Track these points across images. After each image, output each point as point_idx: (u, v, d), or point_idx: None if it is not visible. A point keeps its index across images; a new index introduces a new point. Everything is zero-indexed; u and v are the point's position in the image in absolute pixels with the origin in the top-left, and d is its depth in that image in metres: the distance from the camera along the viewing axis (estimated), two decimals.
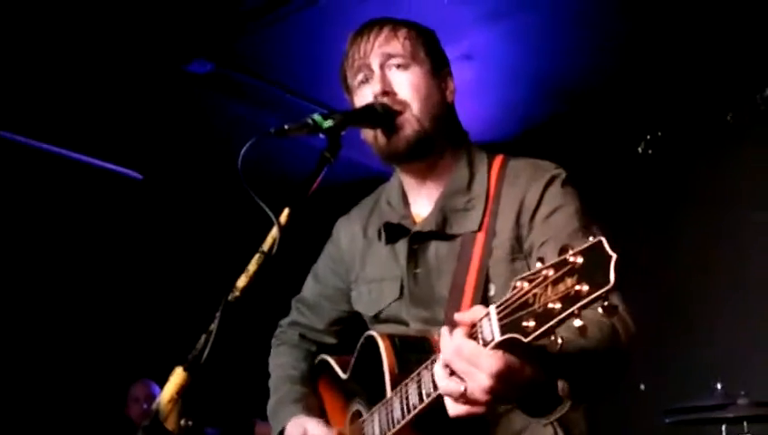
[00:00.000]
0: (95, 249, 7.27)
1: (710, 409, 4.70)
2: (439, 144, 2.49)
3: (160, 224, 7.50)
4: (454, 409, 1.90)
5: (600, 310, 1.59)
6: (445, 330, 1.91)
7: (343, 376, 2.64)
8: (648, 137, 6.18)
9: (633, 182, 6.30)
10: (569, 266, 1.62)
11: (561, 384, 1.89)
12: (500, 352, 1.80)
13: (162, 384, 1.86)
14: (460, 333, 1.86)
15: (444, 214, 2.46)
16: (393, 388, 2.24)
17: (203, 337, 1.89)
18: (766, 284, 5.55)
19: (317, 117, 2.20)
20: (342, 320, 2.84)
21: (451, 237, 2.45)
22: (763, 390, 4.75)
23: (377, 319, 2.61)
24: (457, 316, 1.90)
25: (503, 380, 1.81)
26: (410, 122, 2.41)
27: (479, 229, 2.40)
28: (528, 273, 1.71)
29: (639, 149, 6.21)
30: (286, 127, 2.13)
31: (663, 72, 6.00)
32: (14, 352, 6.65)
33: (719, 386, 4.68)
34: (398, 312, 2.53)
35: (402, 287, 2.51)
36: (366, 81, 2.49)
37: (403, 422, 2.16)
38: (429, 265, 2.47)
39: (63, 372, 6.93)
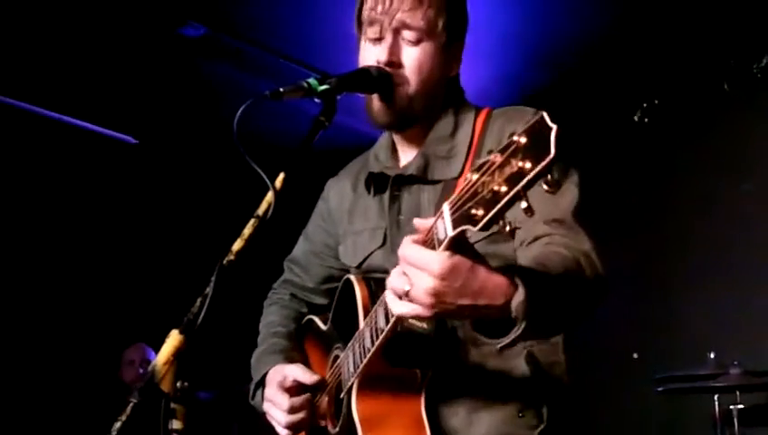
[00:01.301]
0: (90, 214, 7.26)
1: (702, 378, 4.72)
2: (433, 113, 2.49)
3: (155, 188, 7.48)
4: (396, 306, 1.90)
5: (543, 186, 1.56)
6: (406, 238, 1.90)
7: (324, 328, 2.67)
8: (645, 105, 6.16)
9: (629, 150, 6.29)
10: (513, 147, 1.60)
11: (515, 304, 1.86)
12: (446, 254, 1.80)
13: (157, 349, 1.87)
14: (409, 239, 1.87)
15: (426, 159, 2.45)
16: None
17: (198, 301, 1.89)
18: (761, 254, 5.56)
19: (312, 81, 2.20)
20: (333, 278, 2.82)
21: (433, 183, 2.44)
22: (756, 359, 4.77)
23: (360, 269, 2.60)
24: (416, 222, 1.90)
25: (447, 280, 1.81)
26: (403, 99, 2.40)
27: (460, 176, 2.38)
28: (477, 163, 1.69)
29: (635, 118, 6.19)
30: (281, 90, 2.13)
31: (660, 41, 5.98)
32: (8, 316, 6.65)
33: (712, 355, 4.69)
34: (380, 260, 2.52)
35: (386, 236, 2.51)
36: (376, 39, 2.44)
37: (373, 349, 2.15)
38: (410, 210, 2.47)
39: (57, 336, 6.93)
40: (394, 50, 2.39)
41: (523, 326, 1.87)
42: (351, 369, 2.29)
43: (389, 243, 2.49)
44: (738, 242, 5.68)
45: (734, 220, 5.73)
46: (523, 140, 1.58)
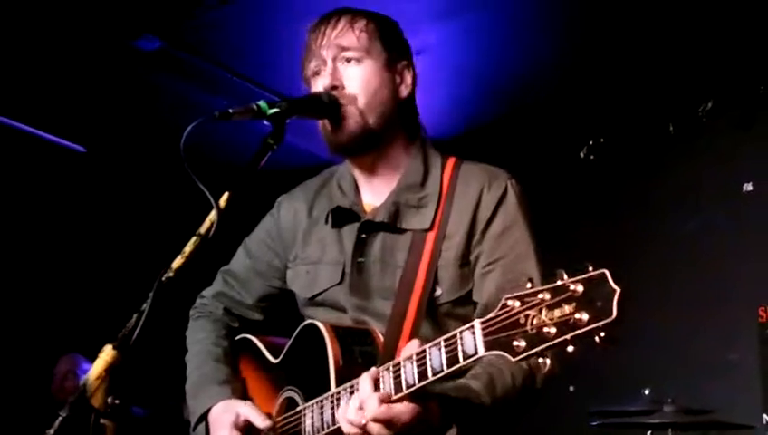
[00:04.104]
0: (33, 220, 7.15)
1: (636, 414, 4.75)
2: (386, 138, 2.51)
3: (100, 198, 7.39)
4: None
5: (596, 339, 1.61)
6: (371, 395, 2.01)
7: (273, 360, 2.61)
8: (591, 143, 6.25)
9: (573, 187, 6.36)
10: (567, 294, 1.65)
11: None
12: (414, 405, 1.97)
13: (92, 361, 1.85)
14: (368, 389, 2.01)
15: (397, 207, 2.48)
16: (338, 379, 2.24)
17: (134, 316, 1.89)
18: (700, 293, 5.64)
19: (262, 103, 2.22)
20: (272, 297, 2.80)
21: (401, 231, 2.47)
22: (691, 397, 4.82)
23: (312, 301, 2.60)
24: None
25: (409, 427, 1.99)
26: (353, 116, 2.43)
27: (430, 228, 2.43)
28: (520, 293, 1.73)
29: (581, 154, 6.27)
30: (231, 111, 2.14)
31: (608, 81, 6.08)
32: None
33: (647, 391, 4.73)
34: (336, 297, 2.52)
35: (344, 274, 2.52)
36: (318, 72, 2.50)
37: None
38: (374, 255, 2.48)
39: None
40: (335, 74, 2.45)
41: None
42: (318, 424, 2.27)
43: (347, 282, 2.50)
44: (678, 280, 5.75)
45: (674, 259, 5.81)
46: (580, 289, 1.64)
